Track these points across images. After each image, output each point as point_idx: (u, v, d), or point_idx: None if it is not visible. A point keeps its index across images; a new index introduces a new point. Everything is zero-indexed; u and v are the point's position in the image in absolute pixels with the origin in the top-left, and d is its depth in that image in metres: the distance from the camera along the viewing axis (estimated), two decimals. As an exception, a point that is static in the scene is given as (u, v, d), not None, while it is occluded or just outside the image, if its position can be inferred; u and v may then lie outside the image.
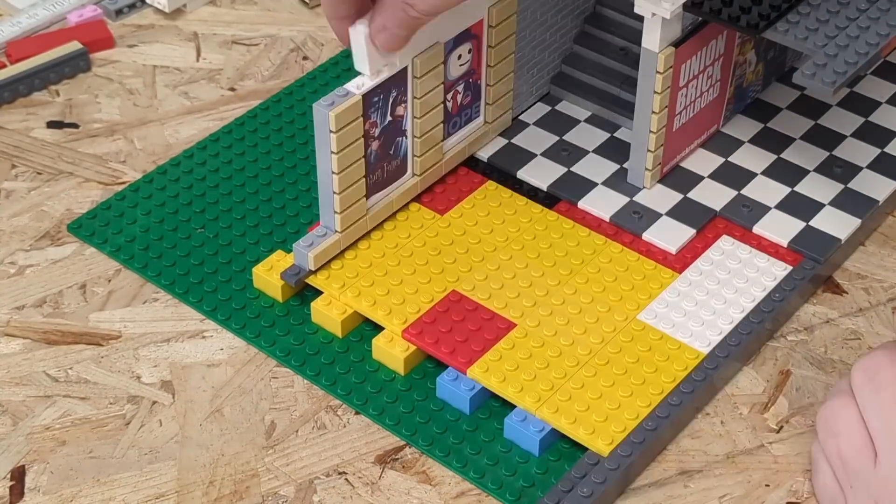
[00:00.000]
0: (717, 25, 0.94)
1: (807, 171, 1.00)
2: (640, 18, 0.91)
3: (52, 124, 1.07)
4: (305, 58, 1.14)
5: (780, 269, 0.93)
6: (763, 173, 0.99)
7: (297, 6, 1.19)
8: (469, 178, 0.99)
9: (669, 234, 0.95)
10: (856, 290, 0.94)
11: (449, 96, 0.95)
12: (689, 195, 0.98)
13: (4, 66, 1.11)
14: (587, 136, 1.03)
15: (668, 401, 0.84)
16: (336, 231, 0.92)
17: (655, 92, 0.93)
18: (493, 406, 0.86)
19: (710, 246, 0.94)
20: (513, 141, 1.02)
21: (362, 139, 0.89)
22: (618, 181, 0.99)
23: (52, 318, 0.92)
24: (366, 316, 0.90)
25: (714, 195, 0.98)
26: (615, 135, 1.03)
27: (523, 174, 1.00)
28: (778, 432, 0.85)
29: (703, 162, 1.00)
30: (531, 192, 0.98)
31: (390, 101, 0.90)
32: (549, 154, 1.01)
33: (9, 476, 0.83)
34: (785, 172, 1.00)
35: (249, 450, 0.84)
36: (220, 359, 0.90)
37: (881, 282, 0.95)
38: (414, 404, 0.86)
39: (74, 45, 1.11)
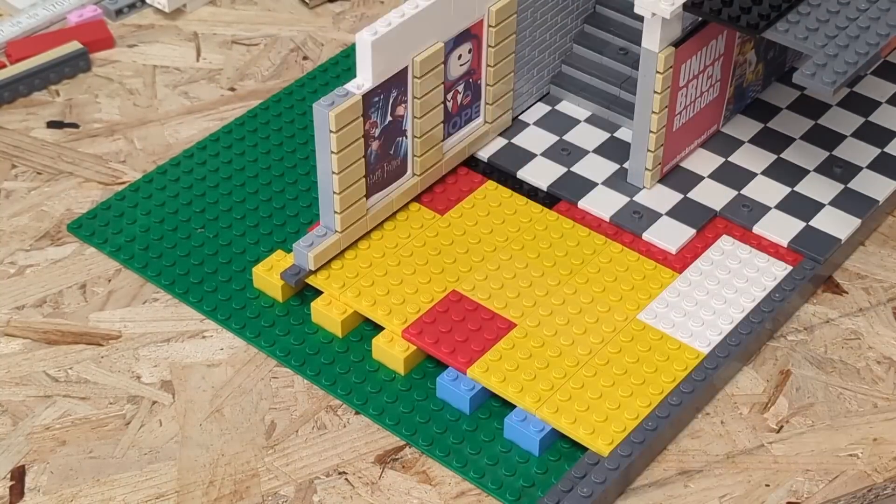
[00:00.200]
0: (717, 25, 0.94)
1: (807, 171, 1.00)
2: (640, 18, 0.91)
3: (52, 124, 1.07)
4: (305, 58, 1.14)
5: (780, 269, 0.93)
6: (763, 173, 0.99)
7: (297, 6, 1.19)
8: (469, 178, 0.99)
9: (669, 234, 0.95)
10: (856, 290, 0.94)
11: (449, 96, 0.95)
12: (689, 195, 0.98)
13: (4, 66, 1.11)
14: (587, 136, 1.03)
15: (668, 401, 0.84)
16: (336, 231, 0.92)
17: (655, 92, 0.93)
18: (493, 406, 0.86)
19: (710, 246, 0.94)
20: (513, 141, 1.02)
21: (362, 139, 0.89)
22: (618, 181, 0.99)
23: (52, 318, 0.92)
24: (366, 316, 0.90)
25: (714, 195, 0.98)
26: (615, 135, 1.03)
27: (523, 174, 1.00)
28: (778, 432, 0.85)
29: (703, 162, 1.00)
30: (531, 192, 0.98)
31: (390, 101, 0.90)
32: (549, 154, 1.01)
33: (9, 476, 0.83)
34: (785, 172, 1.00)
35: (249, 450, 0.84)
36: (220, 359, 0.90)
37: (881, 282, 0.95)
38: (414, 404, 0.86)
39: (74, 45, 1.11)
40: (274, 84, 1.11)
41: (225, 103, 1.09)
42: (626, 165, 0.99)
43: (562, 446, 0.84)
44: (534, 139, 1.02)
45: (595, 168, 1.00)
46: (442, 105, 0.94)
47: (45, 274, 0.95)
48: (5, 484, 0.82)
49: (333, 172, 0.88)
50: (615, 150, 1.01)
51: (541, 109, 1.05)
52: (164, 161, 1.03)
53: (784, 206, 0.97)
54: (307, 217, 0.98)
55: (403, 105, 0.92)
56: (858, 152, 1.01)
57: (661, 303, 0.90)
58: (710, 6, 0.90)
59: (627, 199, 0.98)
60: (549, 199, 0.98)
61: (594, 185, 0.99)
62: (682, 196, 0.98)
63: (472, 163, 1.00)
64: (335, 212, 0.91)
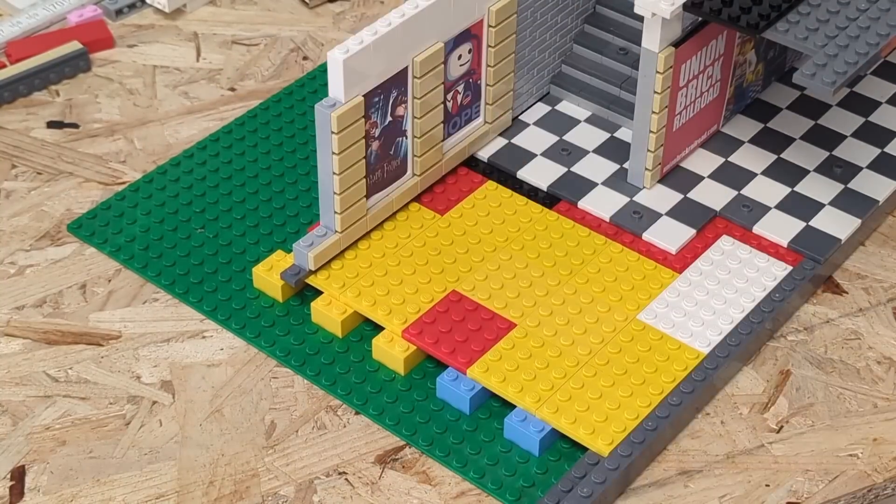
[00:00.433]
0: (717, 25, 0.94)
1: (807, 171, 1.00)
2: (640, 18, 0.91)
3: (52, 124, 1.07)
4: (305, 58, 1.14)
5: (780, 269, 0.93)
6: (763, 173, 0.99)
7: (297, 6, 1.19)
8: (469, 178, 0.99)
9: (669, 234, 0.95)
10: (856, 290, 0.94)
11: (449, 96, 0.95)
12: (689, 195, 0.98)
13: (4, 66, 1.11)
14: (587, 136, 1.03)
15: (668, 401, 0.84)
16: (336, 231, 0.92)
17: (655, 92, 0.93)
18: (493, 406, 0.86)
19: (710, 246, 0.94)
20: (513, 141, 1.02)
21: (363, 140, 0.89)
22: (618, 181, 0.99)
23: (52, 318, 0.92)
24: (366, 316, 0.90)
25: (714, 195, 0.98)
26: (615, 135, 1.03)
27: (523, 174, 1.00)
28: (778, 432, 0.85)
29: (703, 162, 1.00)
30: (531, 192, 0.99)
31: (390, 101, 0.90)
32: (549, 154, 1.01)
33: (9, 476, 0.82)
34: (785, 172, 1.00)
35: (249, 450, 0.84)
36: (220, 359, 0.90)
37: (881, 282, 0.95)
38: (414, 404, 0.86)
39: (74, 45, 1.11)
40: (274, 84, 1.11)
41: (225, 103, 1.09)
42: (626, 165, 0.99)
43: (562, 446, 0.84)
44: (534, 139, 1.02)
45: (595, 168, 1.00)
46: (442, 105, 0.94)
47: (45, 274, 0.95)
48: (5, 484, 0.82)
49: (334, 173, 0.88)
50: (615, 150, 1.01)
51: (541, 109, 1.05)
52: (164, 161, 1.03)
53: (784, 206, 0.97)
54: (307, 217, 0.98)
55: (403, 105, 0.92)
56: (858, 152, 1.01)
57: (661, 303, 0.90)
58: (710, 6, 0.90)
59: (627, 199, 0.98)
60: (549, 199, 0.98)
61: (594, 185, 0.99)
62: (682, 196, 0.98)
63: (472, 163, 1.01)
64: (335, 212, 0.91)
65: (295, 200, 1.00)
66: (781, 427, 0.86)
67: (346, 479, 0.83)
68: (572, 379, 0.85)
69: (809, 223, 0.96)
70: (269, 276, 0.92)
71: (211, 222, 0.98)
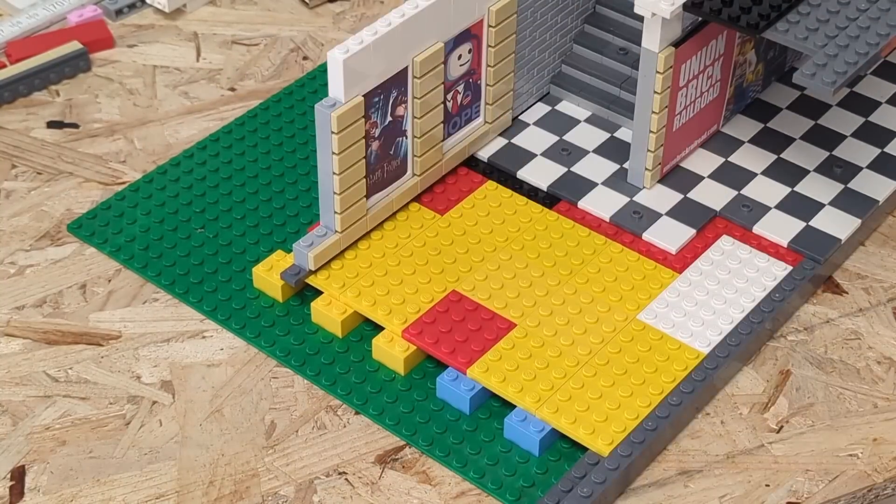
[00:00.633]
0: (717, 25, 0.94)
1: (807, 171, 1.00)
2: (640, 18, 0.91)
3: (52, 124, 1.07)
4: (305, 58, 1.14)
5: (780, 269, 0.93)
6: (763, 173, 0.99)
7: (297, 6, 1.19)
8: (469, 178, 0.99)
9: (669, 234, 0.95)
10: (856, 290, 0.94)
11: (449, 96, 0.95)
12: (689, 195, 0.98)
13: (4, 66, 1.11)
14: (587, 136, 1.03)
15: (668, 401, 0.84)
16: (336, 231, 0.92)
17: (655, 92, 0.93)
18: (493, 406, 0.86)
19: (710, 246, 0.94)
20: (513, 141, 1.02)
21: (363, 140, 0.89)
22: (618, 181, 0.99)
23: (52, 318, 0.92)
24: (366, 316, 0.90)
25: (714, 195, 0.98)
26: (615, 135, 1.03)
27: (523, 174, 1.00)
28: (778, 432, 0.85)
29: (703, 162, 1.00)
30: (531, 192, 0.99)
31: (390, 101, 0.90)
32: (549, 154, 1.01)
33: (9, 476, 0.82)
34: (785, 172, 1.00)
35: (249, 450, 0.84)
36: (220, 359, 0.90)
37: (881, 282, 0.95)
38: (414, 404, 0.86)
39: (74, 45, 1.11)
40: (274, 84, 1.11)
41: (225, 103, 1.09)
42: (626, 165, 0.99)
43: (562, 446, 0.84)
44: (534, 139, 1.02)
45: (595, 168, 1.00)
46: (442, 105, 0.94)
47: (45, 274, 0.95)
48: (5, 484, 0.82)
49: (334, 173, 0.88)
50: (615, 150, 1.01)
51: (541, 109, 1.05)
52: (164, 161, 1.03)
53: (784, 206, 0.97)
54: (307, 217, 0.98)
55: (403, 105, 0.92)
56: (858, 152, 1.01)
57: (661, 303, 0.90)
58: (710, 6, 0.90)
59: (627, 199, 0.98)
60: (549, 199, 0.98)
61: (594, 185, 0.99)
62: (682, 196, 0.98)
63: (472, 163, 1.01)
64: (335, 212, 0.91)
65: (295, 200, 1.00)
66: (781, 427, 0.86)
67: (346, 479, 0.83)
68: (572, 379, 0.85)
69: (809, 223, 0.96)
70: (269, 276, 0.92)
71: (211, 222, 0.98)
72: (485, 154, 1.01)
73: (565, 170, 1.00)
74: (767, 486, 0.82)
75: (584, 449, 0.83)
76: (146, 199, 1.00)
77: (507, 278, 0.92)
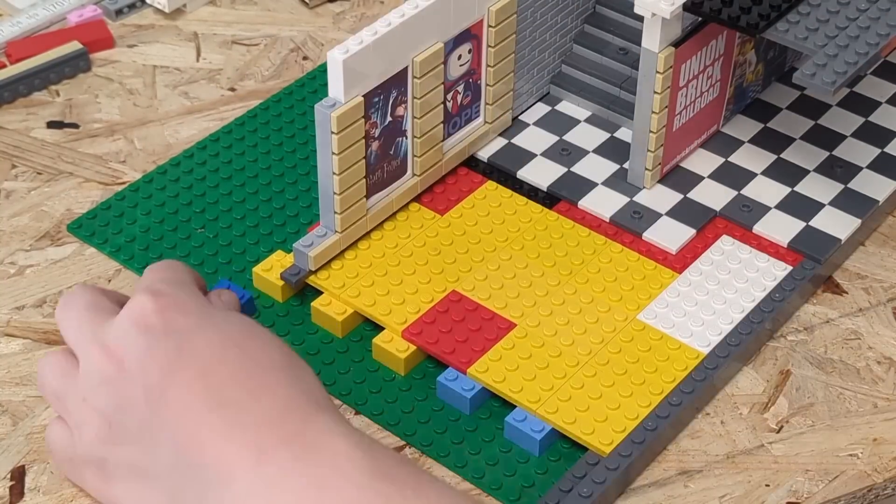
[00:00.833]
0: (717, 25, 0.94)
1: (807, 171, 1.00)
2: (640, 18, 0.91)
3: (52, 124, 1.07)
4: (305, 58, 1.14)
5: (780, 269, 0.93)
6: (763, 173, 0.99)
7: (297, 6, 1.19)
8: (469, 178, 0.99)
9: (669, 234, 0.95)
10: (856, 290, 0.94)
11: (449, 96, 0.95)
12: (689, 195, 0.98)
13: (4, 66, 1.11)
14: (587, 136, 1.03)
15: (668, 401, 0.84)
16: (336, 231, 0.92)
17: (655, 92, 0.93)
18: (493, 406, 0.86)
19: (710, 246, 0.94)
20: (513, 141, 1.02)
21: (363, 140, 0.89)
22: (618, 181, 0.99)
23: (52, 318, 0.92)
24: (366, 316, 0.90)
25: (714, 195, 0.98)
26: (615, 135, 1.03)
27: (523, 174, 1.00)
28: (778, 432, 0.85)
29: (703, 162, 1.00)
30: (531, 192, 0.99)
31: (390, 101, 0.90)
32: (549, 154, 1.01)
33: (9, 476, 0.82)
34: (785, 172, 1.00)
35: (249, 450, 0.84)
36: (220, 359, 0.89)
37: (881, 282, 0.95)
38: (414, 404, 0.86)
39: (74, 45, 1.11)
40: (274, 84, 1.11)
41: (225, 103, 1.09)
42: (626, 165, 0.99)
43: (562, 446, 0.84)
44: (534, 139, 1.02)
45: (595, 168, 1.00)
46: (442, 105, 0.94)
47: (45, 274, 0.95)
48: (5, 484, 0.82)
49: (334, 173, 0.88)
50: (615, 150, 1.01)
51: (541, 109, 1.05)
52: (164, 161, 1.03)
53: (784, 206, 0.97)
54: (307, 217, 0.98)
55: (403, 105, 0.92)
56: (858, 152, 1.01)
57: (661, 303, 0.90)
58: (710, 6, 0.90)
59: (627, 199, 0.98)
60: (549, 199, 0.98)
61: (594, 185, 0.99)
62: (682, 196, 0.98)
63: (472, 163, 1.01)
64: (335, 212, 0.91)
65: (295, 200, 0.99)
66: (781, 427, 0.86)
67: (346, 479, 0.83)
68: (572, 379, 0.85)
69: (809, 223, 0.96)
70: (269, 276, 0.92)
71: (211, 222, 0.98)
72: (485, 154, 1.01)
73: (565, 170, 1.00)
74: (767, 486, 0.82)
75: (584, 449, 0.83)
76: (146, 199, 1.00)
77: (507, 278, 0.92)
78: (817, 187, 0.98)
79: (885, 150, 1.01)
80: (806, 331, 0.91)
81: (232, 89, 1.10)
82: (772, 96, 1.06)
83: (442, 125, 0.95)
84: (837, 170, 1.00)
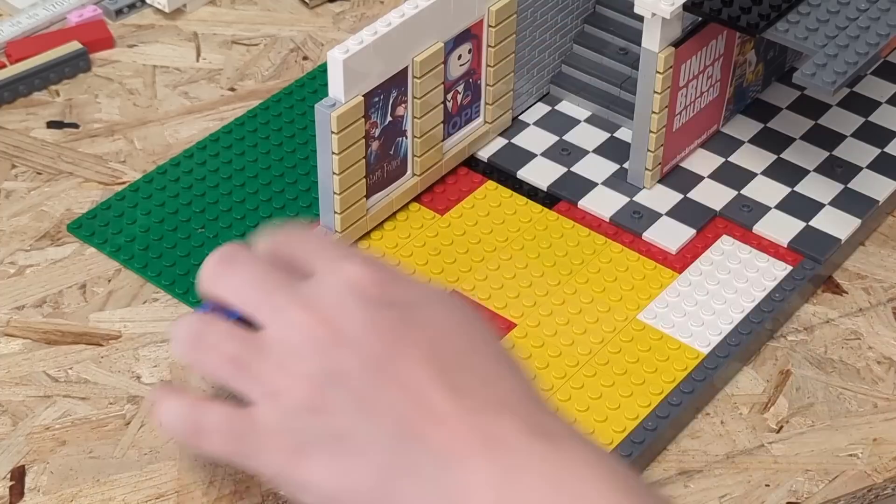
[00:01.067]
0: (717, 25, 0.94)
1: (807, 171, 1.00)
2: (640, 18, 0.91)
3: (52, 124, 1.07)
4: (305, 58, 1.14)
5: (780, 269, 0.93)
6: (763, 173, 0.99)
7: (297, 6, 1.19)
8: (469, 178, 0.99)
9: (669, 234, 0.95)
10: (856, 290, 0.94)
11: (449, 96, 0.95)
12: (689, 195, 0.98)
13: (4, 66, 1.10)
14: (587, 136, 1.03)
15: (668, 401, 0.84)
16: (336, 231, 0.92)
17: (655, 92, 0.93)
18: (493, 406, 0.86)
19: (710, 246, 0.94)
20: (513, 141, 1.02)
21: (363, 140, 0.89)
22: (618, 181, 0.99)
23: (52, 318, 0.92)
24: (366, 316, 0.90)
25: (714, 195, 0.98)
26: (615, 135, 1.03)
27: (523, 174, 1.00)
28: (778, 432, 0.85)
29: (703, 162, 1.00)
30: (531, 192, 0.99)
31: (390, 101, 0.90)
32: (549, 154, 1.01)
33: (9, 476, 0.82)
34: (785, 172, 1.00)
35: (249, 450, 0.84)
36: (220, 359, 0.89)
37: (881, 282, 0.95)
38: (414, 404, 0.86)
39: (74, 45, 1.11)
40: (274, 84, 1.11)
41: (225, 103, 1.09)
42: (626, 165, 0.99)
43: (562, 446, 0.84)
44: (534, 139, 1.02)
45: (595, 168, 1.00)
46: (442, 105, 0.94)
47: (45, 274, 0.95)
48: (5, 484, 0.82)
49: (334, 173, 0.88)
50: (615, 150, 1.01)
51: (541, 109, 1.05)
52: (164, 161, 1.03)
53: (784, 206, 0.97)
54: (307, 217, 0.98)
55: (403, 105, 0.92)
56: (858, 152, 1.01)
57: (660, 303, 0.90)
58: (710, 6, 0.90)
59: (627, 199, 0.98)
60: (549, 199, 0.98)
61: (594, 185, 0.99)
62: (682, 196, 0.98)
63: (472, 163, 1.01)
64: (335, 212, 0.91)
65: (295, 200, 0.99)
66: (781, 427, 0.86)
67: (346, 479, 0.82)
68: (572, 379, 0.85)
69: (809, 223, 0.96)
70: (269, 276, 0.92)
71: (211, 222, 0.98)
72: (485, 154, 1.01)
73: (565, 170, 1.00)
74: (767, 486, 0.82)
75: (584, 449, 0.83)
76: (146, 199, 1.00)
77: (507, 278, 0.92)
78: (817, 187, 0.98)
79: (885, 150, 1.01)
80: (806, 331, 0.91)
81: (232, 89, 1.10)
82: (772, 96, 1.06)
83: (442, 125, 0.95)
84: (837, 170, 1.00)
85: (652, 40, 0.91)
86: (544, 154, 1.01)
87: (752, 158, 1.01)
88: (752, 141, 1.02)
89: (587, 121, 1.04)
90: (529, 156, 1.01)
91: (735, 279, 0.92)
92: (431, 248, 0.94)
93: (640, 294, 0.91)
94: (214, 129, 1.06)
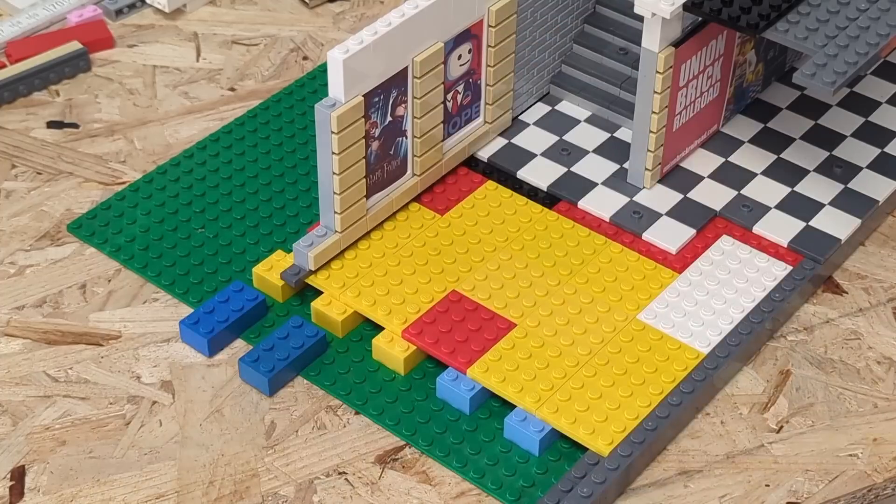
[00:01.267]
0: (717, 25, 0.94)
1: (807, 171, 1.00)
2: (640, 18, 0.91)
3: (52, 124, 1.07)
4: (305, 58, 1.14)
5: (780, 269, 0.93)
6: (763, 173, 0.99)
7: (297, 6, 1.19)
8: (469, 178, 0.99)
9: (669, 234, 0.95)
10: (856, 290, 0.94)
11: (449, 96, 0.95)
12: (689, 195, 0.98)
13: (4, 66, 1.11)
14: (587, 136, 1.03)
15: (668, 401, 0.84)
16: (336, 231, 0.92)
17: (655, 92, 0.93)
18: (493, 406, 0.86)
19: (710, 246, 0.94)
20: (513, 141, 1.02)
21: (363, 140, 0.89)
22: (618, 181, 0.99)
23: (52, 318, 0.92)
24: (366, 316, 0.90)
25: (714, 195, 0.98)
26: (615, 135, 1.03)
27: (523, 174, 1.00)
28: (778, 432, 0.85)
29: (703, 162, 1.00)
30: (531, 192, 0.99)
31: (390, 101, 0.90)
32: (549, 154, 1.01)
33: (9, 476, 0.83)
34: (785, 172, 1.00)
35: (249, 450, 0.84)
36: (219, 359, 0.90)
37: (881, 282, 0.95)
38: (414, 404, 0.86)
39: (74, 45, 1.11)
40: (274, 84, 1.11)
41: (225, 103, 1.09)
42: (626, 165, 0.99)
43: (562, 446, 0.84)
44: (534, 139, 1.02)
45: (595, 168, 1.00)
46: (442, 105, 0.94)
47: (45, 274, 0.95)
48: (5, 484, 0.82)
49: (334, 173, 0.88)
50: (615, 150, 1.01)
51: (541, 109, 1.05)
52: (164, 161, 1.03)
53: (784, 206, 0.97)
54: (307, 217, 0.98)
55: (403, 105, 0.92)
56: (858, 152, 1.01)
57: (661, 303, 0.90)
58: (710, 6, 0.90)
59: (627, 199, 0.98)
60: (549, 199, 0.98)
61: (594, 185, 0.99)
62: (682, 196, 0.98)
63: (472, 163, 1.01)
64: (335, 212, 0.91)
65: (295, 200, 1.00)
66: (781, 427, 0.86)
67: (346, 479, 0.83)
68: (572, 379, 0.85)
69: (809, 223, 0.96)
70: (269, 276, 0.92)
71: (211, 222, 0.98)
72: (485, 154, 1.01)
73: (565, 170, 1.00)
74: (767, 486, 0.82)
75: (584, 449, 0.83)
76: (146, 199, 1.00)
77: (507, 278, 0.92)
78: (817, 187, 0.98)
79: (885, 150, 1.01)
80: (806, 331, 0.91)
81: (232, 89, 1.10)
82: (772, 96, 1.06)
83: (442, 125, 0.95)
84: (837, 170, 1.00)
85: (652, 40, 0.91)
86: (544, 154, 1.01)
87: (752, 158, 1.01)
88: (752, 141, 1.02)
89: (587, 121, 1.04)
90: (529, 156, 1.01)
91: (735, 279, 0.92)
92: (431, 248, 0.94)
93: (640, 294, 0.91)
94: (214, 129, 1.06)
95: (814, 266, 0.93)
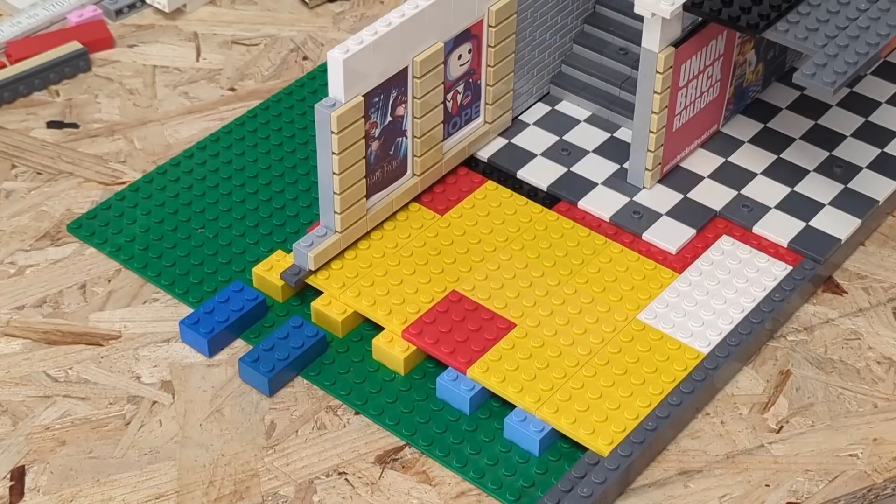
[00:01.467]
0: (717, 25, 0.94)
1: (807, 171, 1.00)
2: (640, 18, 0.91)
3: (52, 124, 1.07)
4: (305, 58, 1.14)
5: (780, 269, 0.93)
6: (763, 173, 0.99)
7: (297, 6, 1.19)
8: (469, 178, 0.99)
9: (669, 234, 0.95)
10: (856, 290, 0.94)
11: (449, 96, 0.95)
12: (689, 195, 0.98)
13: (4, 66, 1.11)
14: (587, 136, 1.03)
15: (668, 401, 0.84)
16: (336, 231, 0.92)
17: (655, 92, 0.93)
18: (493, 406, 0.86)
19: (710, 246, 0.94)
20: (513, 141, 1.02)
21: (363, 140, 0.89)
22: (618, 181, 0.99)
23: (52, 318, 0.92)
24: (366, 316, 0.90)
25: (714, 195, 0.98)
26: (615, 135, 1.03)
27: (523, 174, 1.00)
28: (778, 432, 0.85)
29: (703, 162, 1.00)
30: (531, 192, 0.99)
31: (390, 101, 0.90)
32: (549, 154, 1.01)
33: (9, 476, 0.83)
34: (785, 172, 1.00)
35: (249, 450, 0.84)
36: (219, 359, 0.90)
37: (881, 282, 0.95)
38: (414, 404, 0.86)
39: (74, 45, 1.11)
40: (274, 84, 1.11)
41: (225, 103, 1.09)
42: (626, 165, 0.99)
43: (562, 446, 0.84)
44: (534, 139, 1.02)
45: (595, 168, 1.00)
46: (442, 105, 0.94)
47: (45, 274, 0.95)
48: (5, 484, 0.82)
49: (334, 173, 0.88)
50: (615, 150, 1.01)
51: (541, 109, 1.05)
52: (164, 161, 1.03)
53: (784, 206, 0.97)
54: (307, 217, 0.98)
55: (403, 105, 0.92)
56: (858, 152, 1.01)
57: (661, 303, 0.90)
58: (710, 6, 0.90)
59: (627, 199, 0.98)
60: (549, 199, 0.98)
61: (594, 185, 0.99)
62: (682, 196, 0.98)
63: (472, 163, 1.01)
64: (335, 212, 0.91)
65: (295, 200, 1.00)
66: (781, 427, 0.86)
67: (346, 479, 0.83)
68: (572, 379, 0.85)
69: (809, 223, 0.96)
70: (269, 276, 0.92)
71: (211, 222, 0.98)
72: (485, 154, 1.01)
73: (565, 170, 1.00)
74: (767, 486, 0.82)
75: (584, 449, 0.83)
76: (146, 199, 1.00)
77: (507, 278, 0.92)
78: (817, 187, 0.98)
79: (885, 150, 1.01)
80: (806, 331, 0.91)
81: (232, 89, 1.10)
82: (772, 96, 1.06)
83: (442, 125, 0.95)
84: (837, 170, 1.00)
85: (652, 40, 0.91)
86: (544, 154, 1.01)
87: (752, 158, 1.01)
88: (752, 141, 1.02)
89: (587, 121, 1.04)
90: (529, 156, 1.01)
91: (735, 279, 0.92)
92: (431, 248, 0.94)
93: (640, 294, 0.91)
94: (214, 129, 1.06)
95: (814, 266, 0.93)
